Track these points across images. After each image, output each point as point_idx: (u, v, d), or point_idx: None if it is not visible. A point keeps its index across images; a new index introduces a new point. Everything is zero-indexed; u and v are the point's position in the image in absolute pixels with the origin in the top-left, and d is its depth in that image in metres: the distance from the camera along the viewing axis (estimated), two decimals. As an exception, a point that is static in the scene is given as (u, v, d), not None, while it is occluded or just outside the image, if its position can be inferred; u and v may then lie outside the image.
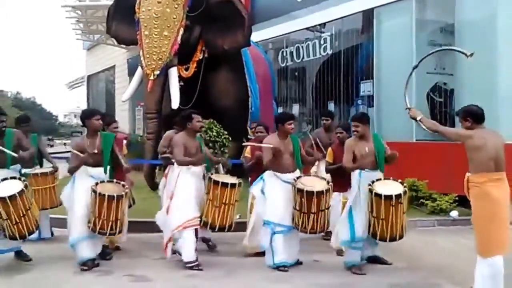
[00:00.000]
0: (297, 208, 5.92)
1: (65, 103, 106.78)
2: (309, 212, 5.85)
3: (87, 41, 28.32)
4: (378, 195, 5.70)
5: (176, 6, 9.97)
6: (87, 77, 34.26)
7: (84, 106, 39.77)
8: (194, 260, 6.03)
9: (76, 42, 30.39)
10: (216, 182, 6.08)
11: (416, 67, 5.91)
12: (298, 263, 6.25)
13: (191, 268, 5.96)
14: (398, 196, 5.66)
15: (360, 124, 6.11)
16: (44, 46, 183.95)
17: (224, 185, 6.06)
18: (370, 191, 5.79)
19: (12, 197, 5.59)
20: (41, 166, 7.47)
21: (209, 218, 6.13)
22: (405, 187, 5.84)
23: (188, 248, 6.03)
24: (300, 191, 5.86)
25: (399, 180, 5.96)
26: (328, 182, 6.06)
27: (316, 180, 6.13)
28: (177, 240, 6.13)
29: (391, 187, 5.77)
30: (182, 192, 6.09)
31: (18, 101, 60.87)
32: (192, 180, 6.16)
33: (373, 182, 5.86)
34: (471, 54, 5.52)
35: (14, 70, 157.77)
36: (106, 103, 31.01)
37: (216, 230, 6.26)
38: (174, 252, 6.27)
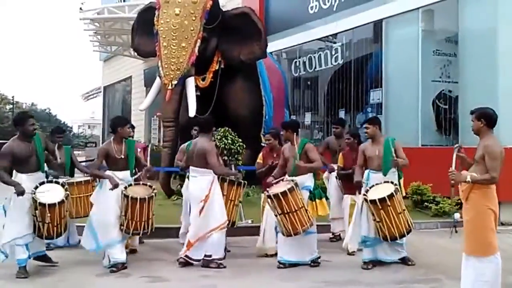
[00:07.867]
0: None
1: (80, 114, 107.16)
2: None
3: (105, 52, 28.40)
4: (366, 201, 6.21)
5: (193, 18, 10.49)
6: (104, 88, 34.33)
7: (99, 116, 40.03)
8: (223, 257, 6.58)
9: (92, 54, 30.58)
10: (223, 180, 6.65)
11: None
12: (311, 264, 6.56)
13: (219, 264, 6.43)
14: (382, 200, 6.07)
15: (370, 126, 6.64)
16: (59, 57, 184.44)
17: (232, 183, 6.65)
18: (365, 199, 6.27)
19: (60, 203, 6.08)
20: (71, 176, 7.76)
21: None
22: (396, 189, 6.17)
23: (221, 247, 6.57)
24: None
25: (395, 183, 6.32)
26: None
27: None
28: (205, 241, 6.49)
29: (382, 191, 6.18)
30: (217, 197, 6.57)
31: (33, 112, 61.24)
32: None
33: (369, 189, 6.35)
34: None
35: (28, 82, 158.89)
36: (122, 113, 31.32)
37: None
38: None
